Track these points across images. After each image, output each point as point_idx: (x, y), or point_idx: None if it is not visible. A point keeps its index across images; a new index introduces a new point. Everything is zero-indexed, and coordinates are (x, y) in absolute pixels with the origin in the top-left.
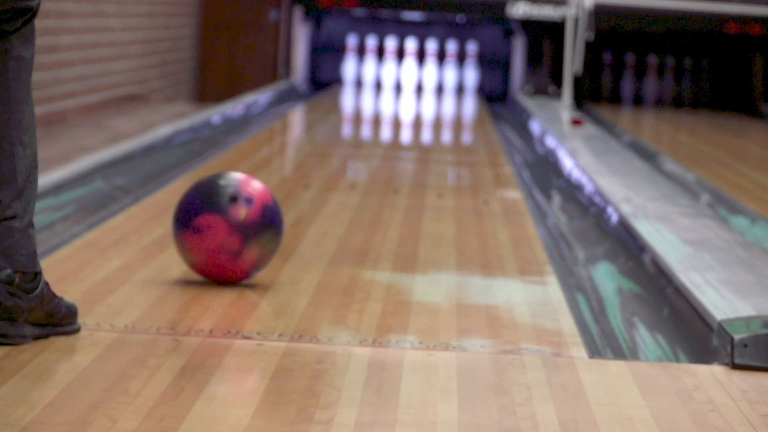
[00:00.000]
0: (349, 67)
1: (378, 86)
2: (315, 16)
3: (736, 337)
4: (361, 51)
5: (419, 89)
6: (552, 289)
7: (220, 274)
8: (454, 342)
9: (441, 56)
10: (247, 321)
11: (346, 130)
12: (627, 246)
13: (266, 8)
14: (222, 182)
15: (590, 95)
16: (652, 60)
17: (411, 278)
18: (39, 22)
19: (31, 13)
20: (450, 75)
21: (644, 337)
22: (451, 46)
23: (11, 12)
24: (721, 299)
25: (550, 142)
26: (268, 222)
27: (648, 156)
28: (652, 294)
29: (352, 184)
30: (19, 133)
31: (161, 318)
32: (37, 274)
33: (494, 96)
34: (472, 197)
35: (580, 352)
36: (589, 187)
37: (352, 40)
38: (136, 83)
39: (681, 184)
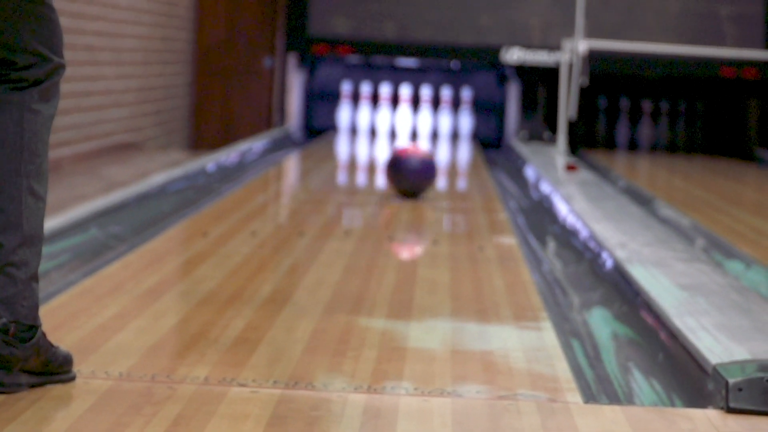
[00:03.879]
0: (343, 114)
1: (373, 133)
2: (309, 63)
3: (731, 380)
4: (355, 98)
5: (414, 136)
6: (547, 335)
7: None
8: (449, 388)
9: (436, 102)
10: (242, 368)
11: (341, 177)
12: (622, 291)
13: (260, 56)
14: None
15: (585, 141)
16: (647, 105)
17: (406, 324)
18: None
19: (51, 66)
20: (445, 121)
21: (639, 381)
22: (446, 93)
23: (33, 56)
24: (715, 343)
25: (545, 187)
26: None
27: (643, 201)
28: (647, 339)
29: (347, 231)
30: (29, 182)
31: (156, 366)
32: (34, 327)
33: (489, 142)
34: (467, 243)
35: (575, 397)
36: (583, 233)
37: (346, 87)
38: (130, 131)
39: (676, 229)
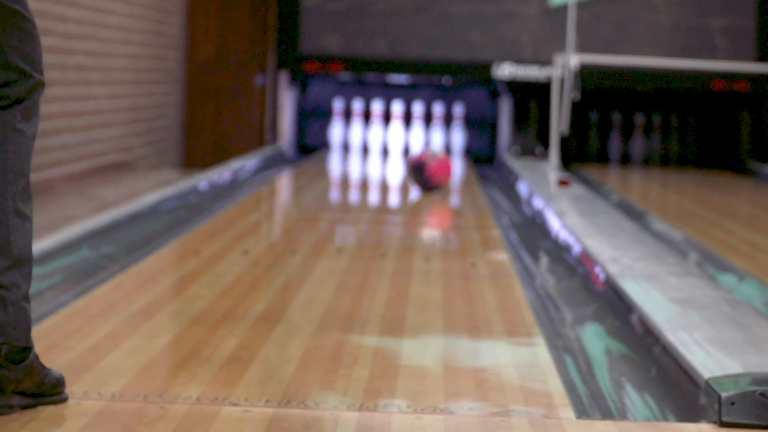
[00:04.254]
0: (335, 132)
1: (365, 150)
2: (301, 80)
3: (723, 394)
4: (347, 115)
5: (406, 152)
6: (540, 351)
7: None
8: (441, 405)
9: (428, 119)
10: (234, 387)
11: (334, 194)
12: (614, 306)
13: (252, 74)
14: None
15: (577, 155)
16: (639, 119)
17: (399, 342)
18: None
19: (32, 83)
20: (437, 137)
21: (632, 397)
22: (438, 109)
23: (14, 73)
24: (708, 357)
25: (538, 203)
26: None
27: (636, 215)
28: (639, 354)
29: (340, 248)
30: (15, 203)
31: (149, 385)
32: (27, 348)
33: (481, 158)
34: (459, 260)
35: (568, 413)
36: (576, 248)
37: (338, 104)
38: (121, 151)
39: (669, 243)
